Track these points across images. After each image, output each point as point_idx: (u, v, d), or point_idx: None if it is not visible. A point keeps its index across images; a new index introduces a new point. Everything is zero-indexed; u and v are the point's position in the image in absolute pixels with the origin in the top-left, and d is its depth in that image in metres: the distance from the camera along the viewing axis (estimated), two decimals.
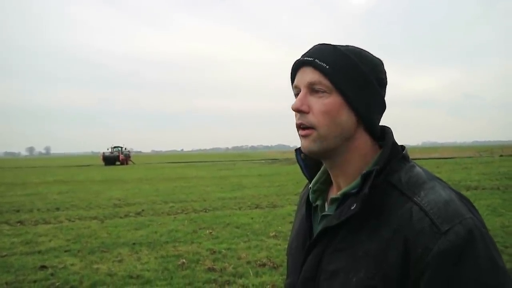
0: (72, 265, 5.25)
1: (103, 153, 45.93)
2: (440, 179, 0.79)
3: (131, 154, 52.13)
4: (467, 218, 0.69)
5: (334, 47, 0.81)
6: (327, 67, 0.77)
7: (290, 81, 0.86)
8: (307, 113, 0.79)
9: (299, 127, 0.81)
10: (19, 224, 8.30)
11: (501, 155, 36.58)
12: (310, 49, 0.83)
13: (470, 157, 36.93)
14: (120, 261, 5.41)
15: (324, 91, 0.78)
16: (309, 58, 0.79)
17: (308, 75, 0.79)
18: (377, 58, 0.84)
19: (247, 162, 42.42)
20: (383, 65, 0.85)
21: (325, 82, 0.77)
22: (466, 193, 10.83)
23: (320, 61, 0.78)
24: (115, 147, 47.66)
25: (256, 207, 9.84)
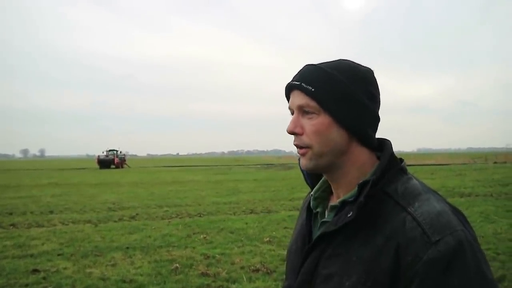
0: (64, 269, 5.22)
1: (98, 156, 45.69)
2: (436, 192, 0.82)
3: (126, 158, 51.93)
4: (458, 230, 0.72)
5: (319, 68, 0.84)
6: (313, 89, 0.81)
7: (285, 90, 0.89)
8: (301, 134, 0.84)
9: (296, 147, 0.86)
10: (11, 227, 8.23)
11: (495, 162, 36.87)
12: (299, 70, 0.87)
13: (464, 163, 37.15)
14: (113, 265, 5.38)
15: (313, 112, 0.82)
16: (296, 82, 0.84)
17: (297, 98, 0.84)
18: (366, 69, 0.86)
19: (243, 167, 42.40)
20: (372, 75, 0.87)
21: (313, 104, 0.82)
22: (460, 200, 10.90)
23: (306, 84, 0.82)
24: (110, 150, 47.47)
25: (250, 212, 9.83)
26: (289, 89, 0.86)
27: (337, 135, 0.82)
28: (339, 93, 0.81)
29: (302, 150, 0.84)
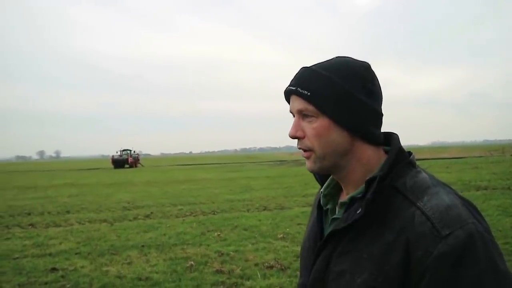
0: (82, 267, 5.31)
1: (112, 156, 46.24)
2: (446, 185, 0.81)
3: (140, 157, 52.46)
4: (469, 223, 0.71)
5: (313, 70, 0.84)
6: (309, 94, 0.82)
7: (284, 95, 0.90)
8: (303, 137, 0.85)
9: (301, 149, 0.87)
10: (30, 227, 8.41)
11: None
12: (295, 74, 0.87)
13: (480, 156, 36.51)
14: (129, 263, 5.45)
15: (312, 116, 0.83)
16: (292, 88, 0.85)
17: (295, 102, 0.85)
18: (361, 64, 0.85)
19: (255, 164, 42.46)
20: (368, 70, 0.85)
21: (310, 107, 0.82)
22: (476, 193, 10.73)
23: (301, 89, 0.83)
24: (124, 150, 48.02)
25: (264, 209, 9.84)
26: (288, 94, 0.87)
27: (338, 136, 0.82)
28: (335, 95, 0.81)
29: (306, 153, 0.85)
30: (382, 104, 0.86)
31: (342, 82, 0.81)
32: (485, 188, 11.89)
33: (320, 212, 0.94)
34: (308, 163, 0.86)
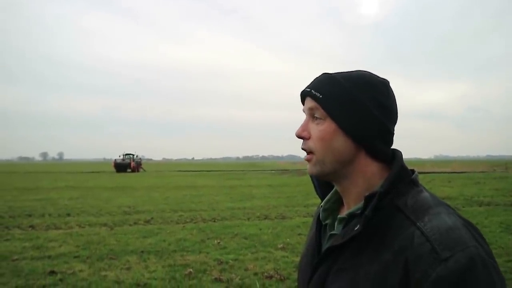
0: (80, 271, 5.29)
1: (115, 160, 46.35)
2: (448, 205, 0.78)
3: (142, 162, 52.53)
4: (470, 246, 0.68)
5: (330, 76, 0.86)
6: (321, 96, 0.83)
7: (300, 96, 0.92)
8: (308, 138, 0.85)
9: (304, 151, 0.87)
10: (30, 228, 8.41)
11: None
12: (314, 79, 0.89)
13: (483, 172, 36.33)
14: (128, 268, 5.43)
15: (320, 118, 0.83)
16: (307, 89, 0.87)
17: (308, 103, 0.86)
18: (380, 79, 0.85)
19: (257, 172, 42.40)
20: (386, 86, 0.84)
21: (320, 110, 0.83)
22: (479, 209, 10.66)
23: (315, 91, 0.84)
24: (126, 154, 48.10)
25: (265, 218, 9.81)
26: (303, 95, 0.89)
27: (341, 143, 0.81)
28: (345, 100, 0.81)
29: (308, 156, 0.86)
30: (396, 124, 0.85)
31: (354, 90, 0.81)
32: (488, 204, 11.81)
33: (319, 226, 0.93)
34: (309, 166, 0.86)
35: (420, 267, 0.67)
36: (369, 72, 0.86)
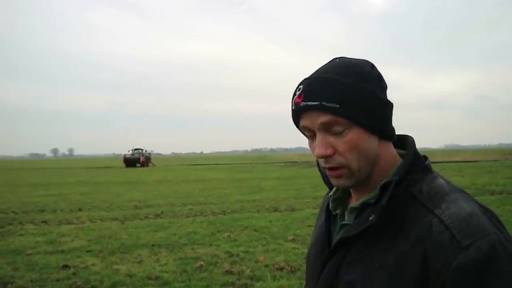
0: (93, 265, 5.35)
1: (124, 155, 46.64)
2: (464, 191, 0.75)
3: (151, 156, 52.85)
4: (491, 233, 0.66)
5: (330, 79, 0.75)
6: (338, 106, 0.72)
7: (294, 114, 0.79)
8: (333, 154, 0.75)
9: (328, 169, 0.77)
10: (43, 223, 8.53)
11: None
12: (304, 88, 0.76)
13: (495, 160, 35.87)
14: (139, 262, 5.48)
15: (341, 129, 0.74)
16: (314, 103, 0.73)
17: (319, 118, 0.74)
18: (369, 63, 0.80)
19: (266, 165, 42.43)
20: (374, 66, 0.80)
21: (341, 120, 0.73)
22: (491, 198, 10.53)
23: (327, 102, 0.72)
24: (136, 149, 48.39)
25: (274, 210, 9.82)
26: (303, 111, 0.75)
27: (370, 143, 0.75)
28: (364, 101, 0.74)
29: (338, 171, 0.76)
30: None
31: (365, 86, 0.75)
32: (500, 193, 11.66)
33: (328, 216, 0.89)
34: (340, 181, 0.77)
35: (440, 256, 0.65)
36: (347, 58, 0.80)
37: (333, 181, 0.79)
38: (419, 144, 0.82)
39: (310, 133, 0.78)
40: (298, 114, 0.77)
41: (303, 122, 0.77)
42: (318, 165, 0.88)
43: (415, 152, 0.79)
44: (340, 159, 0.75)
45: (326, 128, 0.74)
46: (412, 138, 0.82)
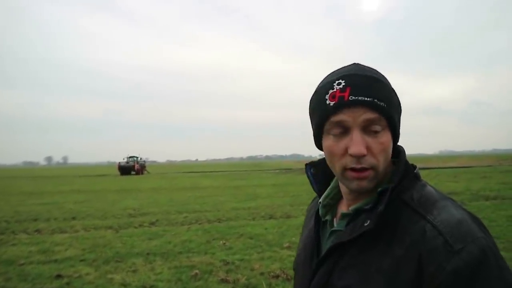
0: (87, 274, 5.29)
1: (119, 163, 46.41)
2: (452, 199, 0.79)
3: (146, 164, 52.63)
4: (480, 237, 0.69)
5: (377, 79, 0.77)
6: (385, 106, 0.75)
7: (337, 104, 0.75)
8: (366, 155, 0.75)
9: (357, 170, 0.76)
10: (36, 232, 8.43)
11: None
12: (354, 81, 0.75)
13: (489, 166, 36.11)
14: (134, 271, 5.43)
15: (379, 129, 0.75)
16: (367, 99, 0.73)
17: (365, 114, 0.74)
18: None
19: (261, 172, 42.38)
20: None
21: (382, 120, 0.75)
22: (485, 203, 10.59)
23: (379, 100, 0.74)
24: (130, 157, 48.20)
25: (270, 218, 9.78)
26: (350, 105, 0.74)
27: (391, 148, 0.79)
28: (398, 106, 0.80)
29: (366, 173, 0.75)
30: None
31: (394, 91, 0.80)
32: (495, 198, 11.73)
33: (317, 223, 0.91)
34: (364, 183, 0.76)
35: (434, 260, 0.68)
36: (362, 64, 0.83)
37: (354, 184, 0.77)
38: (414, 150, 0.85)
39: (340, 130, 0.76)
40: (339, 108, 0.75)
41: (341, 117, 0.75)
42: (306, 171, 0.90)
43: (406, 160, 0.82)
44: (372, 160, 0.75)
45: (367, 126, 0.75)
46: (402, 147, 0.85)
